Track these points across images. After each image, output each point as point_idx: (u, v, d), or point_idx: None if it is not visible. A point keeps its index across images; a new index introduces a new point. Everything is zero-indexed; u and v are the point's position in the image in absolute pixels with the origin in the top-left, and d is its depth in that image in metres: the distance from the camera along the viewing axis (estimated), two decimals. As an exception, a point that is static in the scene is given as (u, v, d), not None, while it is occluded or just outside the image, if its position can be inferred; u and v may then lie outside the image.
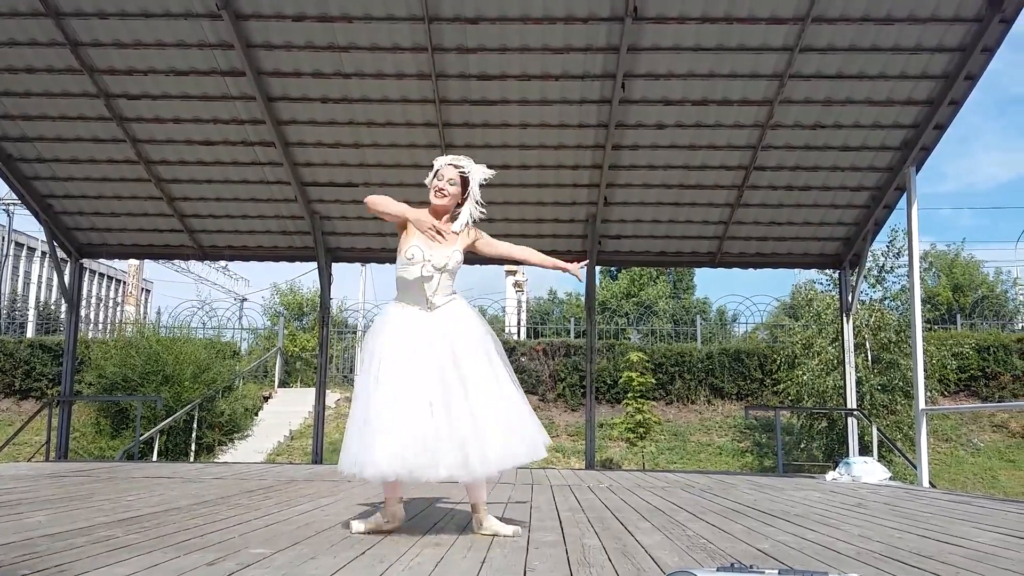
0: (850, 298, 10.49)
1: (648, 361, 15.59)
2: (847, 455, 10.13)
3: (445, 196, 3.75)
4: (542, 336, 20.77)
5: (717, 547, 3.29)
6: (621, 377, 14.84)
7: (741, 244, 10.59)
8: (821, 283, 16.44)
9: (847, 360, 10.52)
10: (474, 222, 3.83)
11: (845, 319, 10.59)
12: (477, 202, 3.81)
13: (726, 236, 10.34)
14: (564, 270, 4.02)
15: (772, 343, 18.25)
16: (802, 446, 15.19)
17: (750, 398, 16.97)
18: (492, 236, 3.90)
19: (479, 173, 3.82)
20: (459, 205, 3.82)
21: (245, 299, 25.89)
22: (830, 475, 8.72)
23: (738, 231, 10.35)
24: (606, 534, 3.69)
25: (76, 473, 7.40)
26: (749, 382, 17.16)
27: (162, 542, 3.22)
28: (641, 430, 14.17)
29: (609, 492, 6.08)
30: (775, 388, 16.13)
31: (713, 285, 79.38)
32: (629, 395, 14.50)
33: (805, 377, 14.49)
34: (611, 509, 4.84)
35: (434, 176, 3.78)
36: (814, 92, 8.45)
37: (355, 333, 21.65)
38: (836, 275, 12.99)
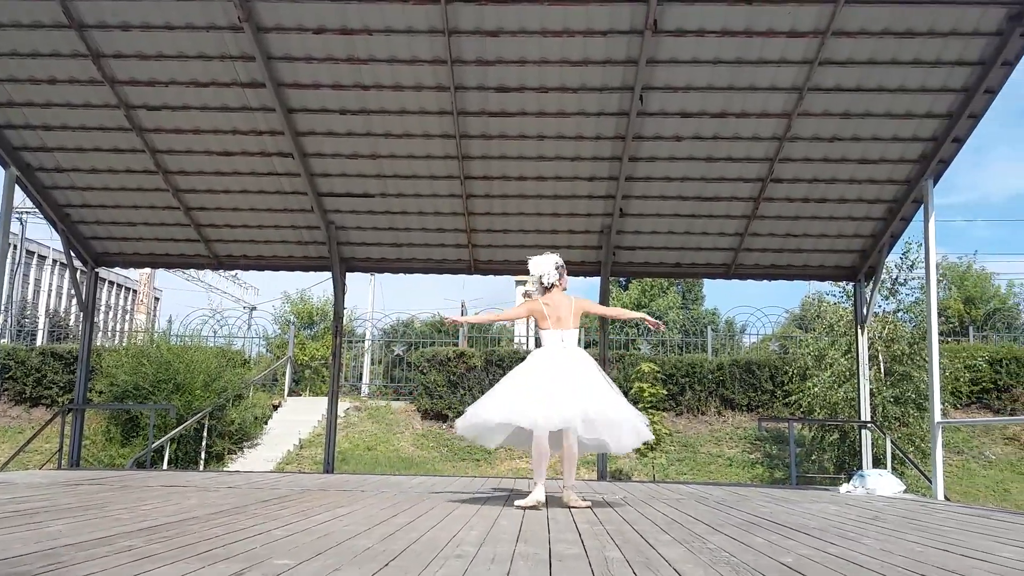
0: (865, 311, 10.41)
1: (659, 372, 15.53)
2: (860, 467, 10.08)
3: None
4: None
5: (741, 560, 3.28)
6: (632, 388, 14.81)
7: (757, 256, 10.57)
8: (834, 295, 16.35)
9: (862, 372, 10.42)
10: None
11: (860, 331, 10.51)
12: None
13: (741, 248, 10.32)
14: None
15: (783, 354, 18.16)
16: (813, 458, 15.10)
17: (761, 409, 16.88)
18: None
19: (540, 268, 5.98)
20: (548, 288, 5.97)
21: (255, 308, 25.95)
22: (844, 487, 8.69)
23: (753, 243, 10.33)
24: (628, 547, 3.69)
25: (90, 481, 7.43)
26: (760, 393, 17.08)
27: (185, 552, 3.24)
28: (652, 441, 14.10)
29: (625, 504, 6.08)
30: (786, 400, 16.03)
31: (723, 297, 79.08)
32: (639, 406, 14.41)
33: (816, 389, 14.38)
34: (628, 522, 4.84)
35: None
36: (833, 105, 8.42)
37: (363, 343, 21.64)
38: (850, 287, 12.96)
